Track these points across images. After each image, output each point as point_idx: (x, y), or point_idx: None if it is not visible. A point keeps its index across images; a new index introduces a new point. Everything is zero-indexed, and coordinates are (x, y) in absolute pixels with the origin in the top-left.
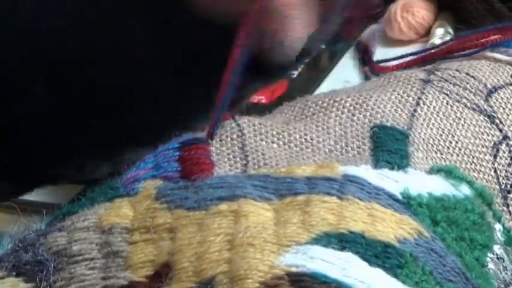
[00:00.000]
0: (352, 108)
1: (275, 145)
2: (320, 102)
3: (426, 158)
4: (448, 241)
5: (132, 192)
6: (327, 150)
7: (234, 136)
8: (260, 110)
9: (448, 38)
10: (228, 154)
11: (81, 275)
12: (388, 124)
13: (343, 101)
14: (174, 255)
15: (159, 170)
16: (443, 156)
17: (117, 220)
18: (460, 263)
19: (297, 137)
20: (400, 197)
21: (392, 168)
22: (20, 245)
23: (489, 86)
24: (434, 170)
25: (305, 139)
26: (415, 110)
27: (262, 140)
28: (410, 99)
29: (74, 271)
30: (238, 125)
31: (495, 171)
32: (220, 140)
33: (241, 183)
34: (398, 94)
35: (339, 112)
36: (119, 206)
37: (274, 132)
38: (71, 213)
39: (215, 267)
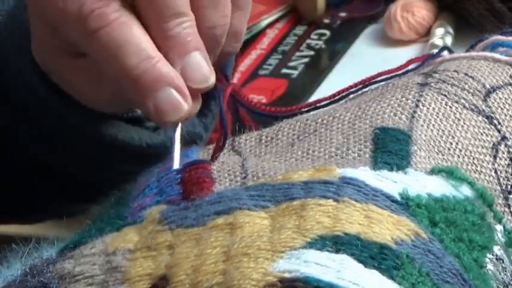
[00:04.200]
0: (351, 119)
1: (276, 163)
2: (320, 120)
3: (428, 157)
4: (446, 242)
5: (139, 220)
6: (327, 157)
7: (236, 158)
8: None
9: (448, 38)
10: (229, 170)
11: None
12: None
13: (342, 116)
14: (171, 268)
15: (163, 195)
16: (445, 157)
17: (122, 244)
18: (458, 264)
19: (299, 153)
20: (398, 198)
21: (391, 169)
22: (29, 271)
23: (488, 86)
24: (435, 171)
25: (307, 153)
26: (414, 112)
27: (263, 161)
28: (409, 102)
29: None
30: (239, 152)
31: (495, 172)
32: (222, 162)
33: (237, 195)
34: (397, 99)
35: (340, 125)
36: (125, 233)
37: (277, 156)
38: (82, 243)
39: (211, 279)
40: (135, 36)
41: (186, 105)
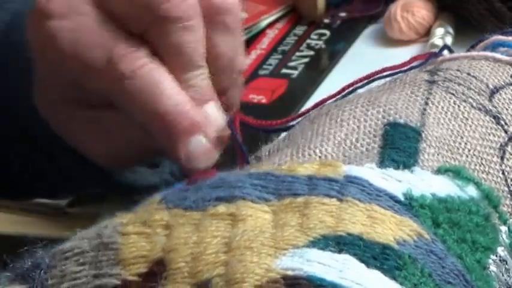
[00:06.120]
0: (365, 104)
1: (289, 151)
2: (333, 105)
3: (438, 154)
4: (449, 243)
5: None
6: (336, 141)
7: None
8: (260, 109)
9: (448, 38)
10: None
11: (72, 273)
12: (402, 121)
13: (355, 100)
14: (169, 253)
15: (168, 185)
16: (454, 156)
17: (116, 220)
18: (460, 265)
19: (309, 133)
20: (402, 198)
21: (397, 167)
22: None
23: (491, 86)
24: (442, 171)
25: (316, 132)
26: (424, 109)
27: (275, 157)
28: (419, 98)
29: (65, 268)
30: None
31: (503, 173)
32: None
33: (240, 183)
34: (407, 94)
35: (353, 107)
36: (121, 215)
37: (290, 140)
38: None
39: (211, 269)
40: (167, 81)
41: (215, 152)
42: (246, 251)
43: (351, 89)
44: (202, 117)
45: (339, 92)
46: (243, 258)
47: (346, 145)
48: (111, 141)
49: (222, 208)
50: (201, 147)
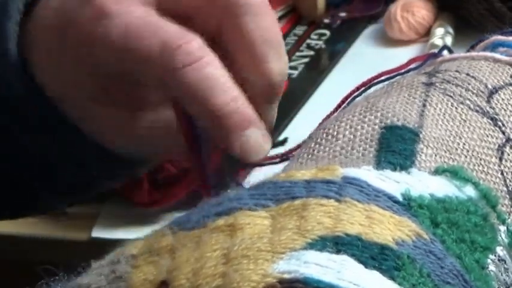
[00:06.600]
0: (362, 111)
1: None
2: (333, 118)
3: (435, 155)
4: (447, 243)
5: None
6: (330, 156)
7: None
8: None
9: (448, 38)
10: None
11: None
12: (399, 123)
13: (353, 108)
14: (171, 272)
15: None
16: (452, 156)
17: (127, 251)
18: (459, 265)
19: (305, 155)
20: (400, 198)
21: (394, 169)
22: None
23: (490, 86)
24: (439, 171)
25: (312, 154)
26: (422, 111)
27: None
28: (416, 101)
29: None
30: None
31: (502, 174)
32: None
33: (238, 196)
34: (404, 97)
35: (350, 116)
36: (135, 241)
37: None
38: None
39: (211, 282)
40: (222, 75)
41: (267, 146)
42: (243, 259)
43: (349, 99)
44: (254, 112)
45: (339, 105)
46: (239, 267)
47: (341, 155)
48: (130, 138)
49: (221, 221)
50: (253, 141)
